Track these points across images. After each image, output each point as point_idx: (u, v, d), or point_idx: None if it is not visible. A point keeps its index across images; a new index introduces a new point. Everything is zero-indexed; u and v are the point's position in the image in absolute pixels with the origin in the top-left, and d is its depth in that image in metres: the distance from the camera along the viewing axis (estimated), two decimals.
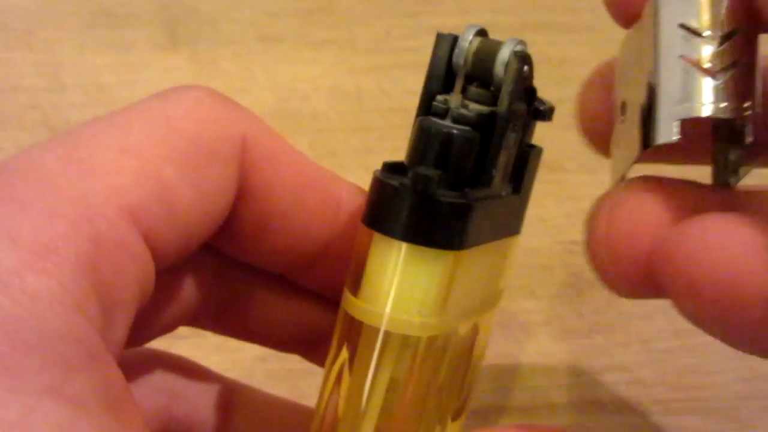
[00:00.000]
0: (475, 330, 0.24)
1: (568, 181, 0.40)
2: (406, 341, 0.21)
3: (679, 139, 0.21)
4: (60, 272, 0.17)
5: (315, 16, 0.46)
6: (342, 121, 0.41)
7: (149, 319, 0.23)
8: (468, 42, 0.22)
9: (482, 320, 0.24)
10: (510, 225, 0.24)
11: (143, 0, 0.45)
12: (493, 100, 0.21)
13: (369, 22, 0.46)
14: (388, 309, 0.20)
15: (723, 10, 0.21)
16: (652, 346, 0.36)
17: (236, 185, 0.21)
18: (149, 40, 0.44)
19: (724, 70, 0.21)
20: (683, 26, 0.21)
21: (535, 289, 0.37)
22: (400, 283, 0.20)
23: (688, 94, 0.21)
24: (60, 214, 0.18)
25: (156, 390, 0.25)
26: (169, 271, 0.22)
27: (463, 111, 0.21)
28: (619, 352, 0.35)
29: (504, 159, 0.22)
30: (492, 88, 0.22)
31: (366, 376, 0.21)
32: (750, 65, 0.21)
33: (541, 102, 0.23)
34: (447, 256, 0.20)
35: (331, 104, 0.42)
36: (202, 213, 0.21)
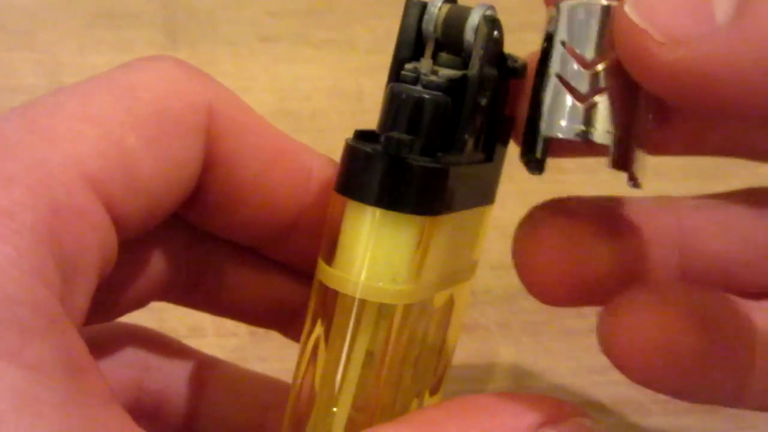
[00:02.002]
0: (450, 302, 0.23)
1: (568, 181, 0.40)
2: (381, 310, 0.20)
3: (543, 155, 0.22)
4: (16, 238, 0.17)
5: (315, 16, 0.46)
6: (342, 121, 0.41)
7: (119, 292, 0.23)
8: (437, 8, 0.22)
9: (457, 292, 0.24)
10: (484, 194, 0.23)
11: (143, 0, 0.45)
12: (464, 66, 0.21)
13: (369, 22, 0.46)
14: (362, 277, 0.20)
15: (605, 38, 0.21)
16: None
17: (202, 155, 0.21)
18: (149, 40, 0.44)
19: (592, 93, 0.21)
20: (565, 45, 0.21)
21: None
22: (374, 250, 0.20)
23: (555, 112, 0.21)
24: (17, 180, 0.18)
25: (128, 363, 0.25)
26: (137, 242, 0.22)
27: (433, 77, 0.21)
28: None
29: (476, 125, 0.21)
30: (463, 54, 0.21)
31: (342, 347, 0.21)
32: (623, 93, 0.21)
33: (514, 59, 0.22)
34: (421, 222, 0.20)
35: (331, 104, 0.42)
36: (166, 182, 0.20)
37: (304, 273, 0.24)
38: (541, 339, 0.36)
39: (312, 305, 0.21)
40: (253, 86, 0.43)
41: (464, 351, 0.35)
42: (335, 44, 0.45)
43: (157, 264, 0.23)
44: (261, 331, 0.34)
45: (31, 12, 0.45)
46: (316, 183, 0.23)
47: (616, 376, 0.35)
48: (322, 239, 0.21)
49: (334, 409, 0.21)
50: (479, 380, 0.35)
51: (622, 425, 0.34)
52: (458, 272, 0.23)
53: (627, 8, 0.19)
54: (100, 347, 0.24)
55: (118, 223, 0.20)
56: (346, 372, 0.21)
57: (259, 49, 0.44)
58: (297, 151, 0.23)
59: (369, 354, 0.21)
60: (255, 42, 0.45)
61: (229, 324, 0.34)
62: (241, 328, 0.34)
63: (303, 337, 0.21)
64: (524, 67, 0.23)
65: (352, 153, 0.20)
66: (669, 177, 0.41)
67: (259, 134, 0.22)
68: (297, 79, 0.43)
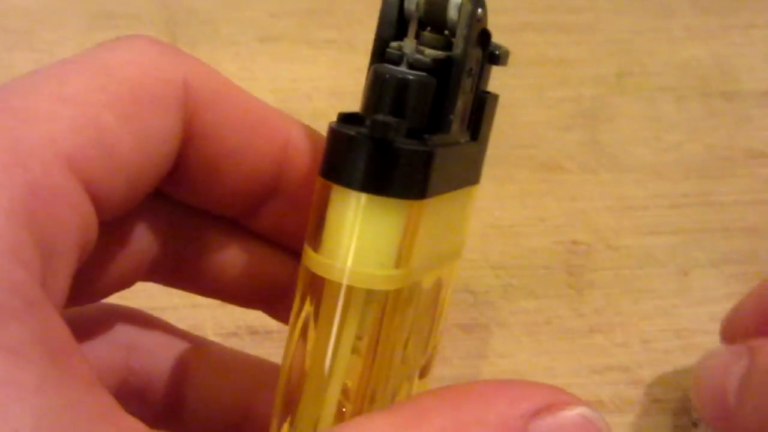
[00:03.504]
0: (438, 283, 0.23)
1: (568, 181, 0.40)
2: (369, 295, 0.20)
3: None
4: None
5: (315, 16, 0.46)
6: None
7: (102, 272, 0.22)
8: None
9: (445, 273, 0.24)
10: (469, 174, 0.23)
11: (143, 0, 0.45)
12: (448, 45, 0.21)
13: (369, 22, 0.46)
14: (349, 263, 0.20)
15: None
16: (652, 346, 0.36)
17: (180, 130, 0.21)
18: None
19: None
20: None
21: (535, 289, 0.37)
22: (360, 236, 0.20)
23: None
24: None
25: (114, 343, 0.25)
26: (119, 222, 0.22)
27: (419, 56, 0.20)
28: (619, 352, 0.35)
29: (461, 105, 0.21)
30: (446, 33, 0.21)
31: (330, 332, 0.20)
32: None
33: (497, 46, 0.22)
34: (408, 206, 0.20)
35: (331, 104, 0.42)
36: (145, 159, 0.20)
37: (288, 248, 0.24)
38: (541, 339, 0.36)
39: (300, 286, 0.21)
40: (253, 86, 0.43)
41: (464, 351, 0.35)
42: (335, 44, 0.45)
43: (139, 242, 0.23)
44: (261, 330, 0.34)
45: (31, 12, 0.45)
46: (294, 149, 0.23)
47: (616, 376, 0.35)
48: (307, 223, 0.21)
49: (323, 395, 0.21)
50: (479, 380, 0.35)
51: (622, 425, 0.34)
52: (446, 253, 0.23)
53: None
54: (87, 328, 0.24)
55: (97, 202, 0.19)
56: (335, 357, 0.20)
57: (259, 49, 0.44)
58: (274, 118, 0.23)
59: (358, 339, 0.20)
60: (255, 42, 0.45)
61: (229, 324, 0.34)
62: (241, 328, 0.34)
63: (292, 317, 0.21)
64: (506, 54, 0.22)
65: (336, 137, 0.20)
66: (669, 177, 0.41)
67: (236, 104, 0.22)
68: (297, 79, 0.43)
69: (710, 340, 0.35)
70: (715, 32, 0.45)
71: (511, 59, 0.23)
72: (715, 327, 0.32)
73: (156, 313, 0.26)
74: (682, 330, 0.36)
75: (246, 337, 0.34)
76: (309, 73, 0.43)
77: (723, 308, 0.31)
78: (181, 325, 0.27)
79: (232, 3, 0.46)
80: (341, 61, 0.44)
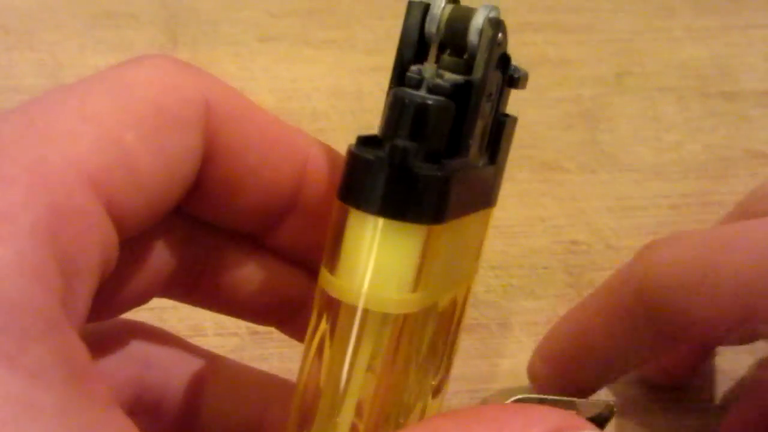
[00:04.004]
0: (453, 304, 0.23)
1: (568, 181, 0.40)
2: (385, 318, 0.20)
3: None
4: (16, 240, 0.17)
5: (315, 16, 0.46)
6: (342, 121, 0.41)
7: (120, 289, 0.23)
8: (440, 9, 0.21)
9: (460, 294, 0.24)
10: (485, 197, 0.23)
11: (143, 0, 0.45)
12: (467, 68, 0.21)
13: (369, 22, 0.46)
14: (365, 287, 0.20)
15: None
16: None
17: (201, 149, 0.21)
18: (149, 41, 0.44)
19: None
20: None
21: (535, 289, 0.37)
22: (377, 260, 0.20)
23: None
24: (16, 181, 0.18)
25: (129, 359, 0.25)
26: (137, 239, 0.22)
27: (439, 81, 0.20)
28: None
29: (479, 128, 0.21)
30: (466, 56, 0.21)
31: (346, 352, 0.20)
32: None
33: (516, 69, 0.22)
34: (425, 231, 0.20)
35: (331, 104, 0.42)
36: (166, 179, 0.20)
37: (305, 265, 0.24)
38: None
39: (317, 303, 0.21)
40: (253, 86, 0.43)
41: (464, 351, 0.35)
42: (335, 44, 0.45)
43: (157, 259, 0.23)
44: (262, 330, 0.34)
45: (31, 12, 0.45)
46: (313, 167, 0.23)
47: None
48: (324, 245, 0.21)
49: (338, 419, 0.21)
50: (479, 380, 0.35)
51: (622, 425, 0.34)
52: (461, 275, 0.23)
53: None
54: (101, 343, 0.24)
55: (118, 222, 0.20)
56: (349, 379, 0.21)
57: (259, 49, 0.44)
58: (293, 136, 0.23)
59: (373, 360, 0.21)
60: (255, 42, 0.45)
61: (229, 324, 0.34)
62: (241, 328, 0.34)
63: (308, 333, 0.21)
64: (526, 78, 0.23)
65: (354, 160, 0.20)
66: (669, 177, 0.41)
67: (256, 122, 0.22)
68: (297, 79, 0.43)
69: None
70: (715, 32, 0.46)
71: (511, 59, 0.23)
72: None
73: (156, 313, 0.26)
74: None
75: (246, 337, 0.34)
76: (309, 73, 0.43)
77: None
78: (182, 325, 0.27)
79: (232, 3, 0.46)
80: (341, 61, 0.44)
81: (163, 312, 0.27)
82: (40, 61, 0.43)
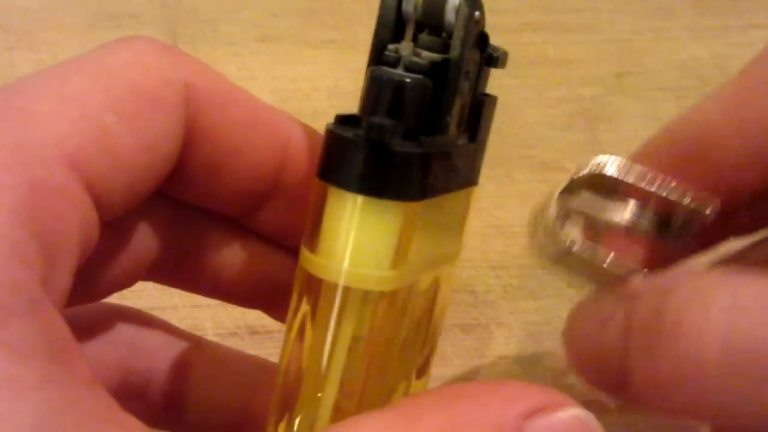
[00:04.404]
0: (436, 284, 0.23)
1: None
2: (366, 296, 0.20)
3: None
4: None
5: (315, 16, 0.46)
6: None
7: (103, 272, 0.23)
8: None
9: (443, 274, 0.24)
10: (467, 175, 0.23)
11: (143, 0, 0.45)
12: (445, 47, 0.21)
13: (369, 22, 0.46)
14: (345, 264, 0.20)
15: None
16: None
17: (182, 130, 0.21)
18: None
19: None
20: None
21: (535, 289, 0.37)
22: (357, 237, 0.20)
23: None
24: None
25: (115, 343, 0.25)
26: (120, 221, 0.22)
27: (416, 59, 0.20)
28: None
29: (458, 107, 0.21)
30: (443, 35, 0.21)
31: (327, 332, 0.20)
32: None
33: (494, 48, 0.22)
34: (404, 208, 0.20)
35: (331, 104, 0.42)
36: (146, 160, 0.20)
37: (288, 248, 0.24)
38: (541, 339, 0.36)
39: (297, 286, 0.21)
40: (253, 86, 0.43)
41: (464, 351, 0.35)
42: (335, 44, 0.45)
43: (140, 242, 0.23)
44: (262, 330, 0.34)
45: (31, 12, 0.45)
46: (295, 148, 0.23)
47: None
48: (304, 224, 0.21)
49: (320, 395, 0.21)
50: (479, 380, 0.35)
51: (622, 425, 0.34)
52: (443, 254, 0.23)
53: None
54: (87, 327, 0.24)
55: (99, 202, 0.20)
56: (332, 357, 0.21)
57: (259, 49, 0.44)
58: (275, 118, 0.23)
59: (355, 339, 0.21)
60: (255, 42, 0.45)
61: (229, 324, 0.34)
62: (241, 328, 0.34)
63: (289, 316, 0.21)
64: (505, 56, 0.22)
65: (333, 138, 0.20)
66: None
67: (236, 105, 0.22)
68: (297, 79, 0.43)
69: None
70: (715, 32, 0.45)
71: (511, 59, 0.23)
72: None
73: (156, 313, 0.26)
74: None
75: (246, 337, 0.34)
76: (309, 73, 0.43)
77: None
78: (181, 325, 0.27)
79: (232, 3, 0.46)
80: (341, 61, 0.44)
81: (163, 312, 0.27)
82: (40, 61, 0.43)
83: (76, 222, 0.19)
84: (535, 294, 0.37)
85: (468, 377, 0.34)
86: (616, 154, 0.24)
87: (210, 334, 0.34)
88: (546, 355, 0.35)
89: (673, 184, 0.23)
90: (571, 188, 0.23)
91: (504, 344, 0.36)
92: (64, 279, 0.19)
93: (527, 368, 0.35)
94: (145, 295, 0.25)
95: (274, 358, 0.27)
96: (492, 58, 0.22)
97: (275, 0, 0.46)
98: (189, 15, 0.45)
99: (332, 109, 0.42)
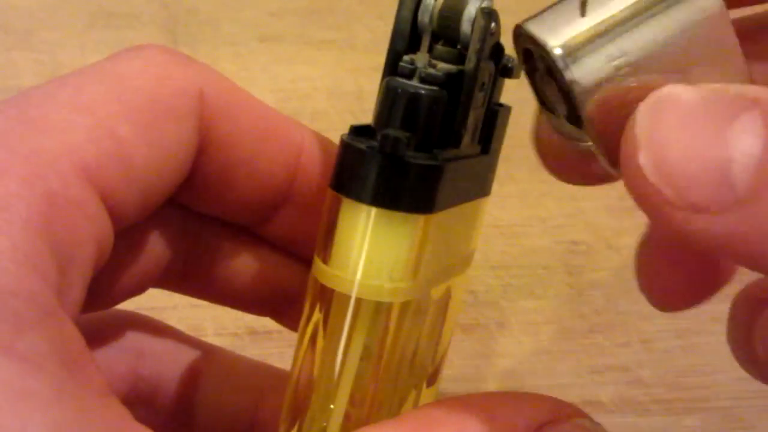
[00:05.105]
0: (447, 293, 0.23)
1: None
2: (378, 307, 0.20)
3: None
4: (11, 229, 0.17)
5: (315, 16, 0.46)
6: (342, 121, 0.41)
7: (115, 280, 0.23)
8: None
9: (454, 283, 0.24)
10: (480, 186, 0.23)
11: (143, 0, 0.45)
12: (460, 59, 0.21)
13: (369, 22, 0.46)
14: (358, 275, 0.20)
15: None
16: (652, 346, 0.36)
17: (195, 139, 0.21)
18: (149, 41, 0.44)
19: None
20: None
21: (535, 289, 0.37)
22: (370, 249, 0.20)
23: None
24: (11, 172, 0.18)
25: (124, 350, 0.25)
26: (132, 229, 0.22)
27: (431, 70, 0.20)
28: (619, 352, 0.35)
29: (472, 118, 0.21)
30: (459, 46, 0.21)
31: (339, 342, 0.20)
32: None
33: (509, 59, 0.22)
34: (417, 220, 0.20)
35: (331, 104, 0.42)
36: (160, 169, 0.20)
37: (299, 256, 0.24)
38: (541, 339, 0.36)
39: (310, 295, 0.21)
40: (253, 86, 0.43)
41: (464, 351, 0.35)
42: (335, 44, 0.45)
43: (152, 249, 0.23)
44: (262, 330, 0.34)
45: (31, 12, 0.45)
46: (307, 157, 0.23)
47: (616, 376, 0.35)
48: (317, 234, 0.21)
49: (332, 406, 0.21)
50: (479, 380, 0.35)
51: (622, 425, 0.34)
52: (455, 265, 0.23)
53: (642, 161, 0.17)
54: (97, 334, 0.24)
55: (113, 212, 0.20)
56: (343, 368, 0.21)
57: (259, 49, 0.44)
58: (287, 126, 0.23)
59: (366, 349, 0.21)
60: (255, 42, 0.45)
61: (229, 324, 0.34)
62: (241, 328, 0.34)
63: (302, 324, 0.21)
64: (520, 67, 0.22)
65: (347, 150, 0.20)
66: None
67: (249, 113, 0.22)
68: (297, 79, 0.43)
69: (710, 339, 0.35)
70: None
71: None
72: (716, 327, 0.32)
73: (156, 313, 0.26)
74: (682, 330, 0.36)
75: (246, 338, 0.34)
76: (309, 73, 0.43)
77: (723, 308, 0.31)
78: (182, 325, 0.27)
79: (232, 3, 0.46)
80: (341, 61, 0.44)
81: (163, 312, 0.27)
82: (40, 61, 0.43)
83: (91, 233, 0.19)
84: (535, 294, 0.37)
85: (468, 377, 0.34)
86: None
87: (210, 335, 0.34)
88: (546, 355, 0.35)
89: None
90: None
91: (504, 344, 0.36)
92: (78, 290, 0.19)
93: (527, 368, 0.35)
94: (145, 295, 0.25)
95: (274, 359, 0.27)
96: (507, 69, 0.22)
97: (275, 0, 0.46)
98: (189, 15, 0.45)
99: (332, 109, 0.42)
